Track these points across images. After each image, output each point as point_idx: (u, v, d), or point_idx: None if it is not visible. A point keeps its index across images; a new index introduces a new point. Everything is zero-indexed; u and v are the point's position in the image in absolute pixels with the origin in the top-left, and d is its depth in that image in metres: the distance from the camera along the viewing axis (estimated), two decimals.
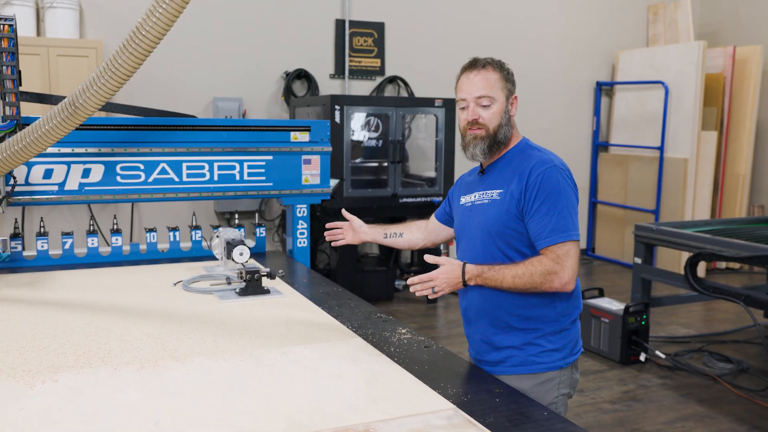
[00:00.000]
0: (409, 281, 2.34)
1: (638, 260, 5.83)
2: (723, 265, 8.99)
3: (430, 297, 2.61)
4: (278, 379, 2.11)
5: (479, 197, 2.47)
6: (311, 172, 4.11)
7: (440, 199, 7.12)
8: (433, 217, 2.89)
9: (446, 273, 2.32)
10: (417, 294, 2.34)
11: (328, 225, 3.05)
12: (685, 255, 8.33)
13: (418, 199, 7.09)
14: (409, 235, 2.93)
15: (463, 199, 2.57)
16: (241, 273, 3.17)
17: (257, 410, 1.88)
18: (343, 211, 3.00)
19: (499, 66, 2.45)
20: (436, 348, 2.51)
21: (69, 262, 3.77)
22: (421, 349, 2.48)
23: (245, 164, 3.95)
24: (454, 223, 2.66)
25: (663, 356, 5.41)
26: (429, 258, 2.36)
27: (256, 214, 4.75)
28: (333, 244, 3.05)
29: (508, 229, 2.36)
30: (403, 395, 2.00)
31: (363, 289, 6.74)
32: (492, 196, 2.41)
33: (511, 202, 2.35)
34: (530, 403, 2.04)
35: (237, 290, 3.13)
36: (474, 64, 2.45)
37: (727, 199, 8.92)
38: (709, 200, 8.68)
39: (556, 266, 2.25)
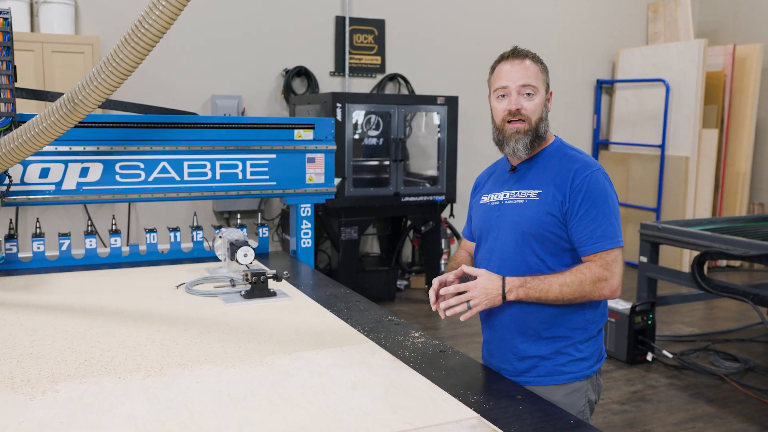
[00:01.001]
0: (443, 291, 2.18)
1: (644, 259, 5.75)
2: (723, 262, 8.94)
3: (463, 318, 2.19)
4: (291, 387, 2.01)
5: (511, 196, 2.33)
6: (315, 171, 4.02)
7: (442, 198, 7.04)
8: (464, 240, 2.66)
9: (484, 284, 2.16)
10: (448, 314, 2.18)
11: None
12: (687, 253, 8.30)
13: (420, 198, 6.99)
14: None
15: (487, 198, 2.43)
16: (246, 275, 3.06)
17: (272, 421, 1.78)
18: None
19: (539, 59, 2.36)
20: (451, 352, 2.42)
21: (66, 264, 3.66)
22: (436, 353, 2.39)
23: (248, 163, 3.85)
24: (474, 224, 2.50)
25: (670, 356, 5.34)
26: (467, 269, 2.21)
27: (259, 214, 4.66)
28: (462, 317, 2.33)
29: (546, 232, 2.24)
30: (424, 404, 1.90)
31: (364, 289, 6.64)
32: (529, 196, 2.28)
33: (553, 204, 2.23)
34: (555, 410, 1.96)
35: (242, 293, 3.03)
36: (516, 53, 2.33)
37: (727, 198, 8.86)
38: (710, 198, 8.62)
39: (606, 272, 2.17)
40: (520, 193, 2.31)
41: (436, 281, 2.28)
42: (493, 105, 2.38)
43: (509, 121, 2.30)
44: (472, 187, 2.61)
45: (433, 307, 2.27)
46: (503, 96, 2.32)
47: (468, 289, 2.15)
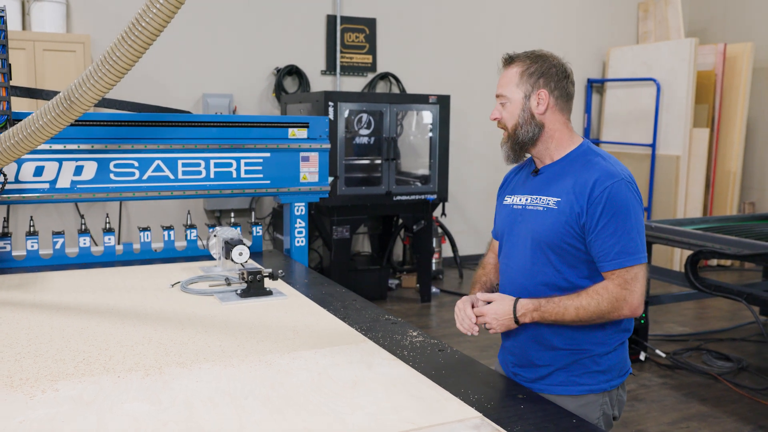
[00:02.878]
0: (458, 321, 2.26)
1: None
2: (714, 261, 8.98)
3: (475, 333, 2.26)
4: (292, 386, 2.00)
5: (532, 201, 2.26)
6: (309, 170, 4.01)
7: (434, 196, 7.03)
8: (492, 240, 2.59)
9: (495, 310, 2.17)
10: (462, 330, 2.26)
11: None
12: (678, 252, 8.33)
13: (413, 197, 6.99)
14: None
15: (509, 199, 2.38)
16: (242, 274, 3.05)
17: (274, 421, 1.77)
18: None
19: (529, 59, 2.24)
20: (450, 351, 2.41)
21: (60, 263, 3.64)
22: (435, 352, 2.39)
23: (242, 161, 3.83)
24: (498, 224, 2.46)
25: (663, 355, 5.36)
26: (482, 296, 2.23)
27: (253, 213, 4.65)
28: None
29: (564, 244, 2.16)
30: (426, 403, 1.90)
31: (356, 288, 6.59)
32: (548, 204, 2.20)
33: (571, 215, 2.14)
34: (557, 410, 1.96)
35: (238, 291, 3.02)
36: (503, 61, 2.30)
37: (718, 197, 8.90)
38: (701, 197, 8.66)
39: (624, 292, 2.08)
40: (541, 199, 2.24)
41: (460, 303, 2.32)
42: None
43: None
44: (500, 184, 2.53)
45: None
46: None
47: (482, 315, 2.18)
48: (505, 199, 2.40)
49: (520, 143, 2.24)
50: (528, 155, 2.33)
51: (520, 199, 2.31)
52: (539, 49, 2.30)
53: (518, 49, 2.37)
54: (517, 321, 2.15)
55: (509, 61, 2.28)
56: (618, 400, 2.30)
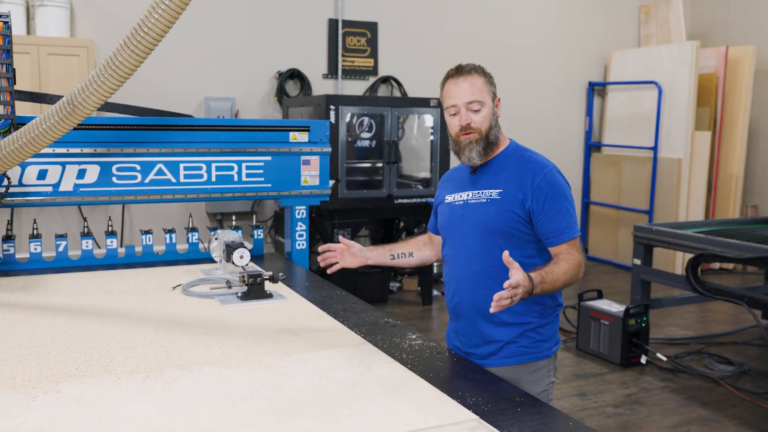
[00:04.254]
0: (508, 294, 2.10)
1: (637, 261, 5.78)
2: (716, 265, 8.97)
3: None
4: (291, 388, 2.02)
5: (474, 196, 2.53)
6: (310, 173, 4.03)
7: None
8: (429, 232, 2.88)
9: (524, 281, 2.14)
10: (499, 306, 2.10)
11: (320, 248, 2.82)
12: (680, 255, 8.34)
13: (414, 200, 7.01)
14: (420, 253, 2.89)
15: (450, 198, 2.63)
16: (243, 276, 3.07)
17: (273, 423, 1.79)
18: (340, 238, 2.83)
19: (482, 71, 2.53)
20: (449, 354, 2.43)
21: (63, 265, 3.67)
22: (433, 355, 2.41)
23: (243, 165, 3.86)
24: (439, 221, 2.71)
25: (664, 358, 5.36)
26: (509, 260, 2.15)
27: (254, 216, 4.67)
28: (328, 270, 2.79)
29: (509, 228, 2.44)
30: (423, 405, 1.91)
31: (357, 291, 6.64)
32: (491, 196, 2.48)
33: (515, 203, 2.43)
34: (553, 413, 1.97)
35: (239, 294, 3.04)
36: (460, 71, 2.51)
37: (720, 200, 8.90)
38: (703, 201, 8.66)
39: (581, 256, 2.42)
40: (482, 192, 2.51)
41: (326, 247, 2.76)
42: (447, 121, 2.57)
43: (463, 134, 2.50)
44: (438, 185, 2.80)
45: (322, 264, 2.75)
46: (454, 114, 2.52)
47: (518, 285, 2.12)
48: (446, 198, 2.65)
49: (491, 143, 2.52)
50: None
51: (461, 196, 2.58)
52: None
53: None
54: (530, 292, 2.21)
55: (468, 71, 2.50)
56: (554, 367, 2.63)
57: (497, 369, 2.46)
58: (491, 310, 2.09)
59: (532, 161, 2.49)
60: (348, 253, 2.79)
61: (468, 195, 2.55)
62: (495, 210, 2.46)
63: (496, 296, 2.09)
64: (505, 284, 2.10)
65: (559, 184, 2.45)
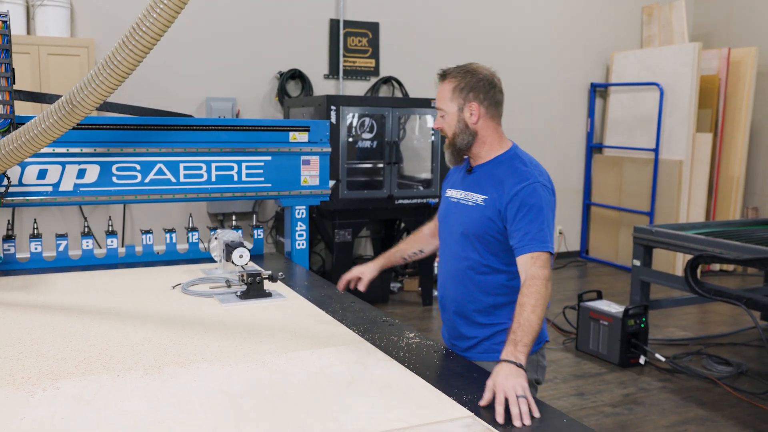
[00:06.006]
0: (498, 412, 1.91)
1: (637, 262, 5.79)
2: (716, 266, 8.98)
3: (528, 416, 1.92)
4: (288, 386, 2.03)
5: (465, 197, 2.59)
6: (310, 173, 4.04)
7: (436, 200, 7.06)
8: (436, 218, 2.87)
9: (500, 376, 2.00)
10: (525, 422, 1.89)
11: (339, 286, 3.02)
12: (680, 256, 8.34)
13: (414, 201, 7.02)
14: (430, 247, 2.95)
15: (450, 192, 2.70)
16: (242, 276, 3.09)
17: (270, 419, 1.81)
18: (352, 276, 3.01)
19: (455, 76, 2.51)
20: (446, 353, 2.45)
21: (63, 265, 3.68)
22: (430, 353, 2.42)
23: (243, 165, 3.87)
24: (438, 212, 2.79)
25: (663, 359, 5.37)
26: (483, 403, 1.97)
27: (254, 216, 4.68)
28: (359, 287, 3.00)
29: (487, 235, 2.49)
30: (419, 403, 1.93)
31: (358, 291, 6.65)
32: (476, 200, 2.53)
33: (494, 211, 2.46)
34: (548, 410, 1.98)
35: (238, 293, 3.06)
36: (439, 76, 2.57)
37: (721, 202, 8.90)
38: (703, 202, 8.65)
39: (545, 271, 2.31)
40: (471, 195, 2.56)
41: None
42: None
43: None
44: (445, 177, 2.84)
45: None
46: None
47: (498, 393, 1.95)
48: (447, 191, 2.72)
49: (459, 149, 2.55)
50: (467, 157, 2.62)
51: (457, 194, 2.64)
52: (470, 63, 2.56)
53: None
54: (520, 366, 2.06)
55: (443, 76, 2.54)
56: (539, 365, 2.63)
57: (476, 362, 2.43)
58: (515, 423, 1.87)
59: (519, 173, 2.45)
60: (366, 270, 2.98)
61: (461, 194, 2.61)
62: (477, 216, 2.50)
63: (499, 419, 1.89)
64: (483, 403, 1.95)
65: (537, 198, 2.39)
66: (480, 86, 2.48)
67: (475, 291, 2.54)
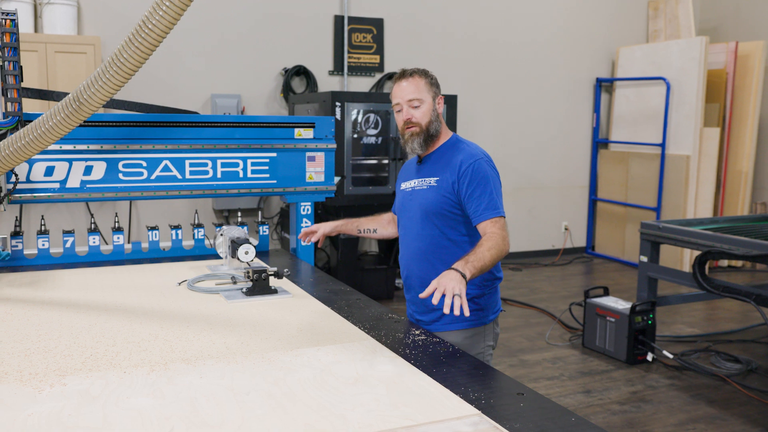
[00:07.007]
0: (422, 296, 2.34)
1: (644, 258, 5.77)
2: (725, 262, 8.94)
3: (453, 310, 2.27)
4: (294, 383, 2.03)
5: (419, 183, 2.90)
6: (315, 170, 4.04)
7: None
8: (391, 212, 3.28)
9: (446, 277, 2.35)
10: (453, 311, 2.27)
11: (300, 237, 3.38)
12: (688, 252, 8.31)
13: None
14: (383, 230, 3.31)
15: (404, 185, 3.01)
16: (248, 272, 3.09)
17: (275, 417, 1.80)
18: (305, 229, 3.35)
19: (424, 73, 2.87)
20: (452, 350, 2.44)
21: (70, 261, 3.69)
22: (437, 351, 2.41)
23: (249, 161, 3.87)
24: (395, 205, 3.13)
25: (671, 356, 5.35)
26: (423, 295, 2.35)
27: (260, 212, 4.68)
28: (312, 241, 3.35)
29: (444, 210, 2.81)
30: (426, 400, 1.92)
31: (363, 287, 6.66)
32: (430, 183, 2.85)
33: (447, 188, 2.79)
34: (557, 408, 1.97)
35: (244, 290, 3.06)
36: (403, 74, 2.87)
37: (729, 197, 8.87)
38: (711, 198, 8.62)
39: (504, 232, 2.68)
40: (425, 180, 2.89)
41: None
42: (395, 117, 3.00)
43: (407, 128, 2.86)
44: (398, 175, 3.16)
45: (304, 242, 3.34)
46: (399, 111, 2.87)
47: (440, 286, 2.30)
48: (401, 185, 3.03)
49: (430, 135, 2.87)
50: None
51: (411, 183, 2.96)
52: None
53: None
54: (464, 276, 2.37)
55: (410, 74, 2.85)
56: (494, 333, 2.98)
57: (441, 333, 2.78)
58: (444, 310, 2.24)
59: (464, 152, 2.82)
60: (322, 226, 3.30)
61: (415, 183, 2.93)
62: (433, 195, 2.83)
63: (434, 301, 2.28)
64: (423, 295, 2.32)
65: (484, 172, 2.76)
66: (437, 84, 2.91)
67: (439, 264, 2.77)
